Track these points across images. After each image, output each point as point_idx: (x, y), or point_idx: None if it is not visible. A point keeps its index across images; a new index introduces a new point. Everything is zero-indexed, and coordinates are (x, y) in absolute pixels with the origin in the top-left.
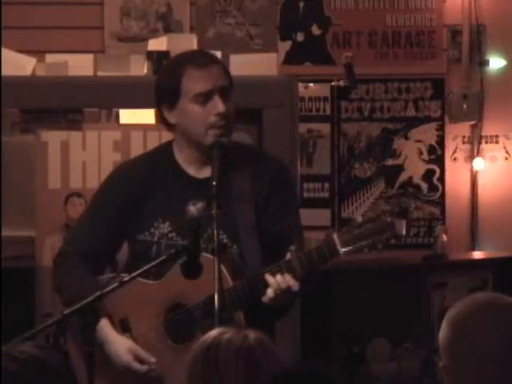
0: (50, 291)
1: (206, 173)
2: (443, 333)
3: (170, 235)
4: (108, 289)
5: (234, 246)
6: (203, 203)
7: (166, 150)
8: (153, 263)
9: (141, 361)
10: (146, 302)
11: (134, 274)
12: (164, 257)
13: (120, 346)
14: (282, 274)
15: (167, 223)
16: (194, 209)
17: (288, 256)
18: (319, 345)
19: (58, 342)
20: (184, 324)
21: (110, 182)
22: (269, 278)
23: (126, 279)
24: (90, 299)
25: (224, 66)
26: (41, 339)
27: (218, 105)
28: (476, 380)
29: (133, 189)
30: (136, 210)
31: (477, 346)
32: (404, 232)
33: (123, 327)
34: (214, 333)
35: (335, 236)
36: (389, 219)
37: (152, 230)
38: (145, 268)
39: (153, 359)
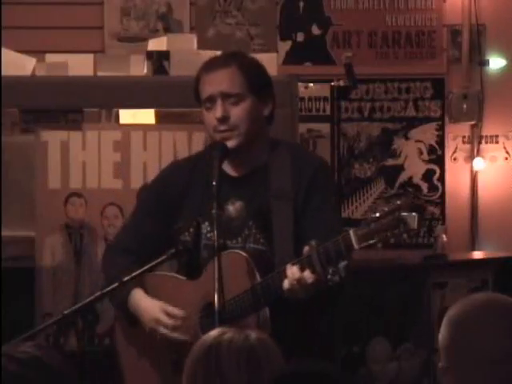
0: (50, 291)
1: (242, 171)
2: (443, 333)
3: (208, 235)
4: (108, 289)
5: (271, 247)
6: (241, 202)
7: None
8: (152, 263)
9: (170, 315)
10: (183, 299)
11: (134, 274)
12: (164, 256)
13: (150, 304)
14: (301, 267)
15: (206, 223)
16: (232, 208)
17: (306, 249)
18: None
19: (58, 341)
20: (221, 321)
21: (156, 181)
22: (287, 270)
23: (126, 279)
24: (90, 299)
25: (237, 69)
26: (41, 339)
27: (217, 109)
28: (475, 380)
29: (174, 189)
30: (177, 210)
31: (476, 346)
32: (416, 226)
33: None
34: (214, 333)
35: (351, 231)
36: (402, 214)
37: (192, 229)
38: (145, 268)
39: (182, 312)
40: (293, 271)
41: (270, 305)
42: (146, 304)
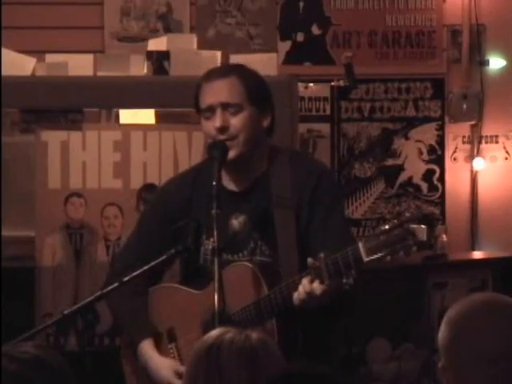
0: (50, 291)
1: (243, 184)
2: (442, 333)
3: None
4: (108, 289)
5: (277, 257)
6: (244, 216)
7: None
8: (152, 263)
9: (181, 376)
10: (191, 311)
11: (134, 274)
12: (164, 257)
13: (162, 363)
14: (311, 279)
15: (211, 239)
16: (236, 222)
17: (312, 261)
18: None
19: (58, 341)
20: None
21: (155, 198)
22: (298, 283)
23: (126, 279)
24: (90, 299)
25: (236, 79)
26: (41, 339)
27: (217, 119)
28: (475, 380)
29: (174, 206)
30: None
31: (476, 346)
32: (425, 238)
33: (170, 337)
34: (215, 333)
35: (360, 244)
36: (411, 226)
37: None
38: (144, 268)
39: None
40: (303, 283)
41: (280, 315)
42: (157, 364)
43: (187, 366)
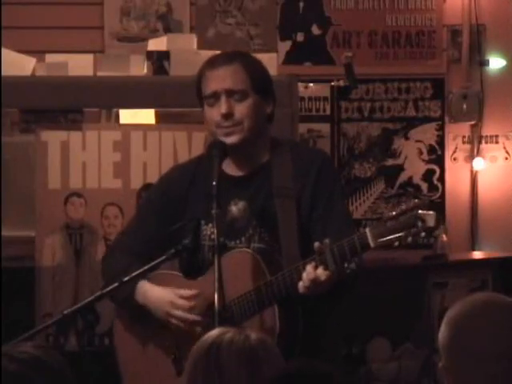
0: (50, 291)
1: (244, 171)
2: (442, 333)
3: (212, 236)
4: (108, 289)
5: (276, 246)
6: (244, 202)
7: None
8: (153, 263)
9: (183, 297)
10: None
11: (134, 274)
12: (164, 257)
13: (163, 291)
14: (315, 265)
15: (210, 224)
16: (235, 208)
17: (319, 246)
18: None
19: (58, 341)
20: (224, 320)
21: (157, 185)
22: (301, 269)
23: (125, 279)
24: (90, 299)
25: (240, 66)
26: (41, 339)
27: (222, 106)
28: (475, 380)
29: (175, 192)
30: (181, 212)
31: (476, 346)
32: (434, 224)
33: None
34: (215, 332)
35: (367, 230)
36: (419, 212)
37: (191, 228)
38: (145, 268)
39: (194, 292)
40: (307, 270)
41: (282, 302)
42: (157, 292)
43: (187, 365)
